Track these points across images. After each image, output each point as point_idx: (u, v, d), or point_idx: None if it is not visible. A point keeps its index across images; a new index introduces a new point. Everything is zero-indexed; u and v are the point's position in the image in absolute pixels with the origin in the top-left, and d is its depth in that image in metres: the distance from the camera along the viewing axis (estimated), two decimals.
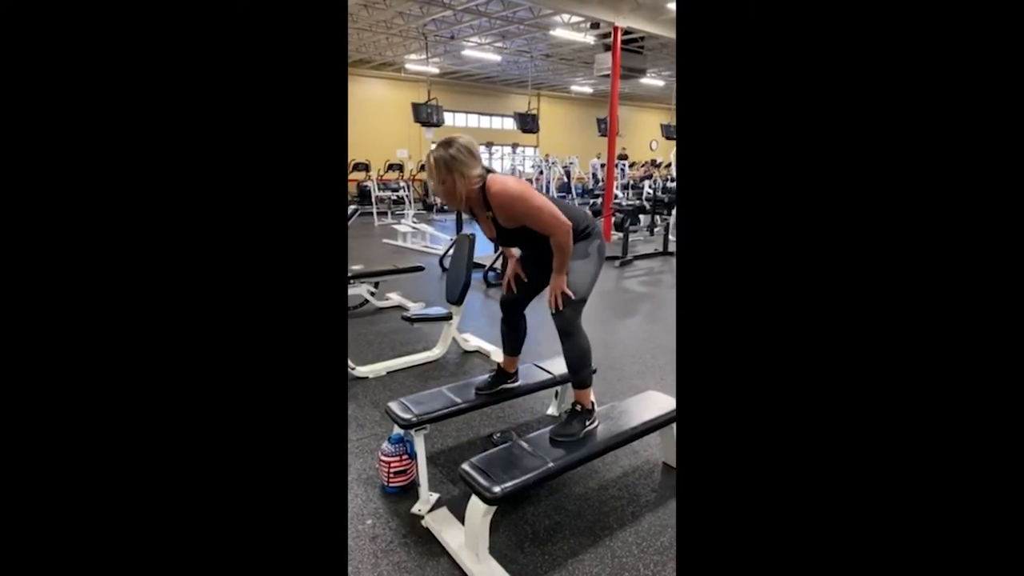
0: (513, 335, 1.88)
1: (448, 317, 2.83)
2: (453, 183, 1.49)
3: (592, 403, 1.69)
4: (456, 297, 2.79)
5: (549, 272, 1.63)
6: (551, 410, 2.30)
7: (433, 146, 1.54)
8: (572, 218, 1.63)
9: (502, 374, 1.91)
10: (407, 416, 1.70)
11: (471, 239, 2.80)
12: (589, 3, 6.82)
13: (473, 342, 3.09)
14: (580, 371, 1.67)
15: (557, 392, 2.26)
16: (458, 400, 1.81)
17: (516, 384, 1.94)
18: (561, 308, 1.59)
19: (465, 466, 1.43)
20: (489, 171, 1.57)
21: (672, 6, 6.98)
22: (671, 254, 6.27)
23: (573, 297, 1.59)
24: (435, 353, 2.90)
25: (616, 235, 7.19)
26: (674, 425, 1.78)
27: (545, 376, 2.05)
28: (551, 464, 1.46)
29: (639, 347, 3.22)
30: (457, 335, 2.99)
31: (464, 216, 6.53)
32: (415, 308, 3.75)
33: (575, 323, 1.63)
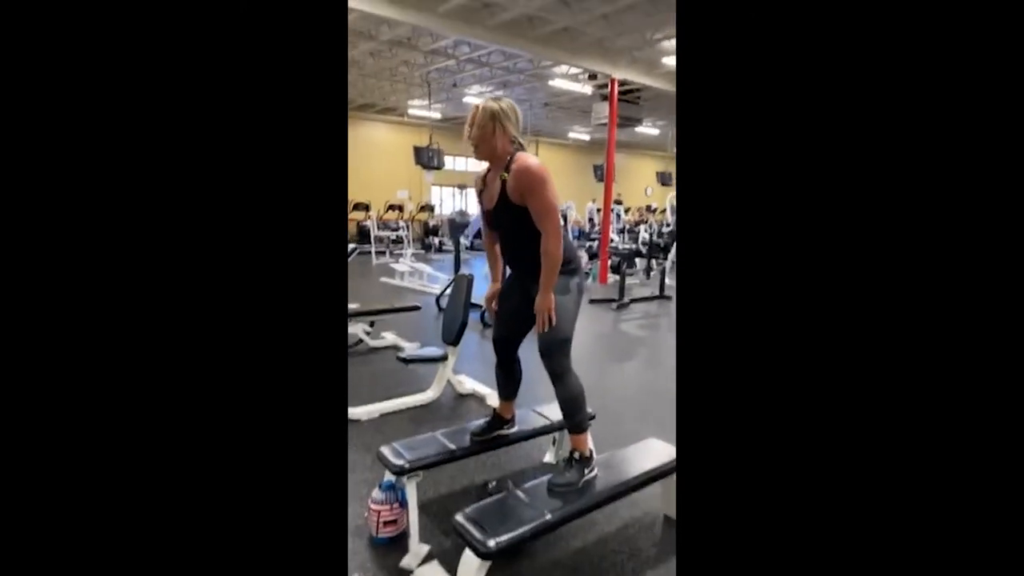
0: (508, 379, 1.84)
1: (443, 358, 2.78)
2: (492, 130, 1.56)
3: (590, 450, 1.64)
4: (452, 338, 2.75)
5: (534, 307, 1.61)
6: (548, 457, 2.23)
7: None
8: (564, 247, 1.62)
9: (498, 419, 1.86)
10: (399, 462, 1.64)
11: (469, 279, 2.79)
12: (588, 56, 7.10)
13: (468, 385, 3.03)
14: (575, 414, 1.63)
15: (555, 439, 2.19)
16: (452, 446, 1.75)
17: (512, 430, 1.89)
18: (548, 330, 1.56)
19: (459, 517, 1.37)
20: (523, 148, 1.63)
21: (666, 60, 7.27)
22: (667, 298, 6.28)
23: (557, 332, 1.57)
24: (429, 396, 2.84)
25: (613, 278, 7.22)
26: (675, 476, 1.72)
27: (543, 422, 2.00)
28: (548, 516, 1.39)
29: (637, 393, 3.17)
30: (452, 377, 2.94)
31: (462, 254, 6.58)
32: (410, 348, 3.70)
33: (564, 364, 1.60)
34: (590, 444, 1.65)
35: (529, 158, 1.57)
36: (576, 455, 1.60)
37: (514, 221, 1.59)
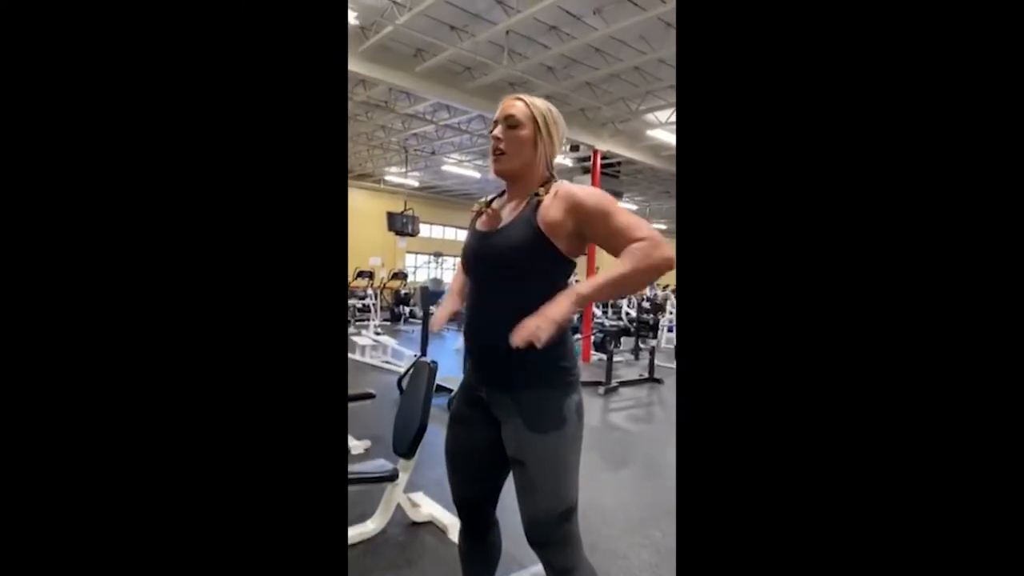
0: (477, 557, 1.16)
1: (392, 477, 2.08)
2: (534, 138, 1.06)
3: None
4: (405, 448, 2.08)
5: (519, 441, 0.99)
6: None
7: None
8: (566, 349, 1.05)
9: None
10: None
11: (432, 369, 2.16)
12: (571, 126, 6.90)
13: (425, 509, 2.30)
14: None
15: None
16: None
17: None
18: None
19: None
20: None
21: (651, 133, 7.14)
22: (658, 380, 5.69)
23: (557, 498, 0.96)
24: (371, 527, 2.11)
25: (596, 356, 6.65)
26: None
27: None
28: None
29: (641, 514, 2.48)
30: (404, 499, 2.22)
31: (431, 329, 5.97)
32: (356, 450, 2.97)
33: (574, 555, 0.96)
34: None
35: (584, 185, 1.07)
36: None
37: (515, 254, 1.00)
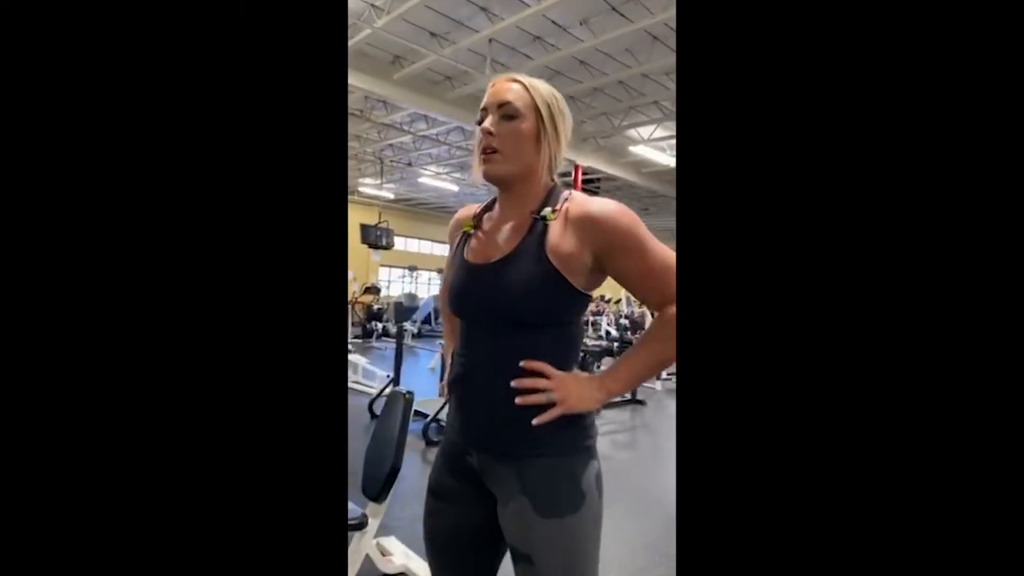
0: None
1: (360, 525, 1.82)
2: (537, 132, 0.82)
3: None
4: (376, 491, 1.83)
5: (524, 530, 0.77)
6: None
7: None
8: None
9: None
10: None
11: (407, 400, 1.93)
12: None
13: (398, 559, 2.04)
14: None
15: None
16: None
17: None
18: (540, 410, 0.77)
19: None
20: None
21: (633, 149, 7.09)
22: (640, 402, 5.54)
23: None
24: None
25: None
26: None
27: None
28: None
29: (639, 556, 2.27)
30: (374, 548, 1.96)
31: (409, 342, 5.66)
32: None
33: None
34: None
35: (601, 198, 0.83)
36: None
37: (520, 296, 0.78)
